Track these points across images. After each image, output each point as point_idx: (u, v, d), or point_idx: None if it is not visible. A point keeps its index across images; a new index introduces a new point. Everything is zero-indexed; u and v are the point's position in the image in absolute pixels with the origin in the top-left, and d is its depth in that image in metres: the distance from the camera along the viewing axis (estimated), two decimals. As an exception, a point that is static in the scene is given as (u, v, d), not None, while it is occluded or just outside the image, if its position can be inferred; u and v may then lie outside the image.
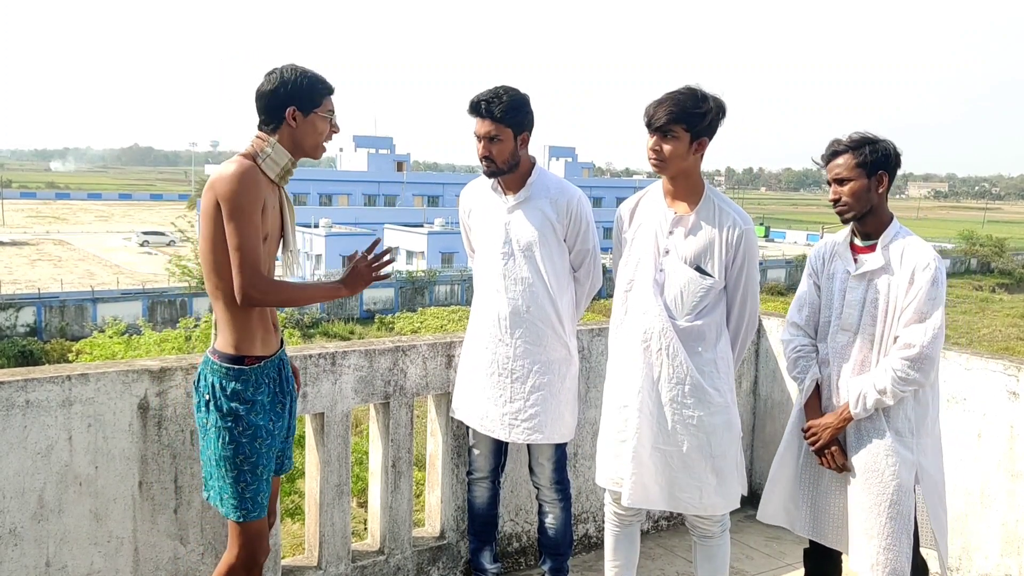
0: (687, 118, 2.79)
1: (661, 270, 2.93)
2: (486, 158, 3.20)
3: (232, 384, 2.56)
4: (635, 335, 2.96)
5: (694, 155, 2.86)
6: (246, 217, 2.46)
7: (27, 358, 30.66)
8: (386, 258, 2.74)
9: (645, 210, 3.04)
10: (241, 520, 2.61)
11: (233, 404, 2.55)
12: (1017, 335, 38.50)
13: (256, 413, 2.58)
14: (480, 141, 3.20)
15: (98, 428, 2.83)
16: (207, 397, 2.57)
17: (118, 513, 2.89)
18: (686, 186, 2.93)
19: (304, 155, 2.65)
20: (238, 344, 2.57)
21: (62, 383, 2.76)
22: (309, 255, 48.44)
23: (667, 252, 2.93)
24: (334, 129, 2.69)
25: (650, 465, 2.95)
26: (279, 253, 2.77)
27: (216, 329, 2.63)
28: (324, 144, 2.68)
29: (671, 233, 2.93)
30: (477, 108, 3.18)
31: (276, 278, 2.60)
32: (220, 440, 2.56)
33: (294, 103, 2.57)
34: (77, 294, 38.92)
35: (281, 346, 2.74)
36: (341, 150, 74.01)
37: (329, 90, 2.65)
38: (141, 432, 2.91)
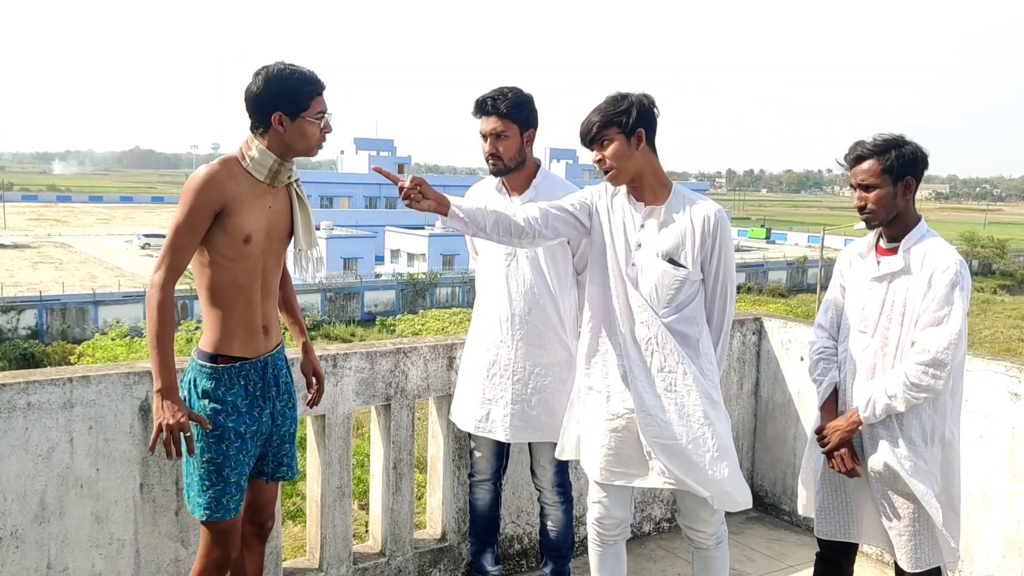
0: (614, 119, 2.80)
1: (633, 264, 2.89)
2: (493, 155, 3.19)
3: (204, 382, 2.55)
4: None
5: (638, 150, 2.83)
6: (181, 214, 2.44)
7: (29, 361, 30.67)
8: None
9: (618, 204, 2.97)
10: (204, 519, 2.58)
11: (203, 402, 2.54)
12: (1019, 336, 38.49)
13: (226, 414, 2.55)
14: (486, 140, 3.19)
15: (99, 430, 2.83)
16: (184, 393, 2.57)
17: (119, 515, 2.90)
18: (650, 185, 2.88)
19: (297, 155, 2.59)
20: (216, 343, 2.56)
21: (63, 385, 2.76)
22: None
23: (639, 246, 2.89)
24: (326, 130, 2.60)
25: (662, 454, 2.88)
26: (289, 251, 2.73)
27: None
28: (320, 144, 2.60)
29: (642, 226, 2.89)
30: (483, 106, 3.17)
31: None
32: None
33: (280, 108, 2.50)
34: (78, 297, 38.96)
35: (273, 350, 2.68)
36: (342, 152, 73.92)
37: (317, 90, 2.55)
38: (142, 434, 2.91)
